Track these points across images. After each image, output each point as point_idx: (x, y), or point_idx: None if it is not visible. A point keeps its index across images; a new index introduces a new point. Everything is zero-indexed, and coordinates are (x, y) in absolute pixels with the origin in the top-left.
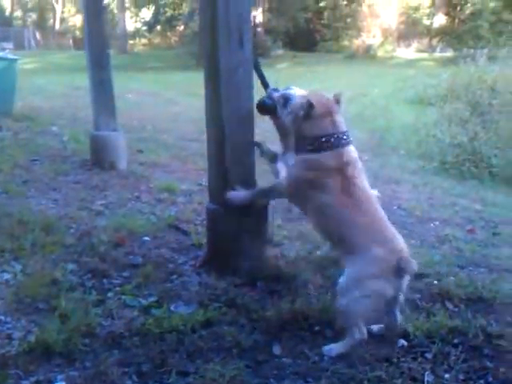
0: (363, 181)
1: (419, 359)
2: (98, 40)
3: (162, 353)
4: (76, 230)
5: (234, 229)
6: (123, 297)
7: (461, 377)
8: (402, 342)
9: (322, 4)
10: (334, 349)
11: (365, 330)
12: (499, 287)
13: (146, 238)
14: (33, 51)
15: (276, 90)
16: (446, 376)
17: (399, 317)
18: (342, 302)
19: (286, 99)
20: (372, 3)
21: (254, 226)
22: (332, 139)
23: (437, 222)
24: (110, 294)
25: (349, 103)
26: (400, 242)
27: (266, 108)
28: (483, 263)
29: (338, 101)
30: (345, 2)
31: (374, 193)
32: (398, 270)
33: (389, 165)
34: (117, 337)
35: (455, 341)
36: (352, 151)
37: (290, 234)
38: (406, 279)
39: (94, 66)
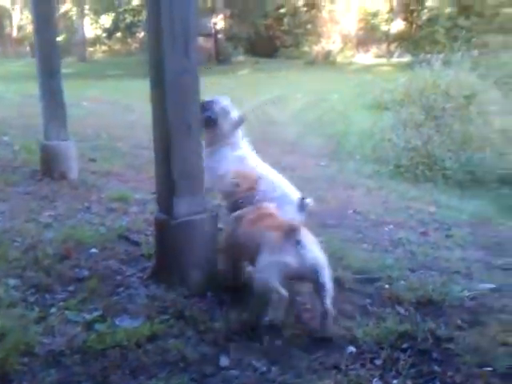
0: None
1: (368, 366)
2: (49, 48)
3: (103, 370)
4: (21, 244)
5: (183, 239)
6: (66, 312)
7: (409, 382)
8: (351, 348)
9: (282, 10)
10: None
11: None
12: (449, 289)
13: (94, 250)
14: None
15: (210, 102)
16: (395, 382)
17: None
18: None
19: (227, 111)
20: (332, 9)
21: (204, 236)
22: None
23: (391, 226)
24: (52, 310)
25: (308, 109)
26: None
27: (212, 122)
28: (435, 266)
29: None
30: (305, 8)
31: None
32: None
33: (345, 170)
34: (57, 355)
35: (404, 346)
36: None
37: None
38: None
39: (44, 75)
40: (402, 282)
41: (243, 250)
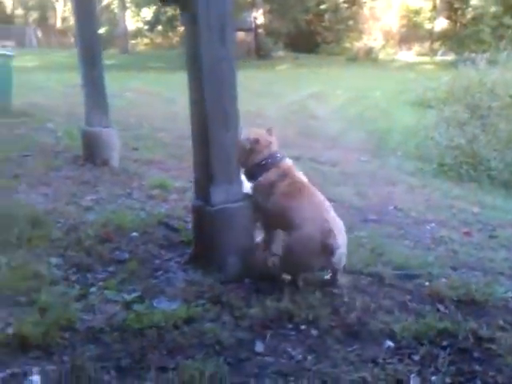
0: None
1: (406, 361)
2: (90, 38)
3: (141, 348)
4: (63, 225)
5: (221, 226)
6: (106, 291)
7: (448, 380)
8: (389, 343)
9: (322, 6)
10: None
11: None
12: (493, 290)
13: (134, 234)
14: (34, 49)
15: None
16: (433, 379)
17: None
18: None
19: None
20: (373, 6)
21: (241, 223)
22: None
23: (433, 224)
24: (93, 289)
25: (349, 105)
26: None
27: None
28: (478, 266)
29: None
30: (346, 5)
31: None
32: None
33: (387, 166)
34: (97, 332)
35: (444, 343)
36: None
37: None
38: None
39: (86, 64)
40: (444, 280)
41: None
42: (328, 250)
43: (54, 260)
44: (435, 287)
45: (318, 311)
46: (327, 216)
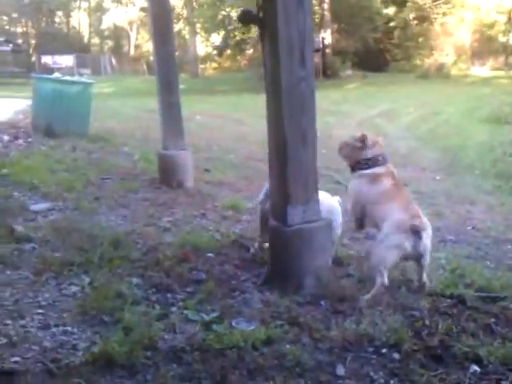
0: None
1: None
2: (167, 64)
3: (222, 369)
4: (143, 246)
5: (297, 247)
6: (186, 311)
7: None
8: (474, 367)
9: (391, 24)
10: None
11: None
12: None
13: (210, 255)
14: (108, 76)
15: None
16: None
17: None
18: None
19: None
20: (444, 21)
21: (318, 244)
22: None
23: None
24: (173, 309)
25: (420, 122)
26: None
27: None
28: None
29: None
30: (416, 21)
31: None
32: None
33: (463, 184)
34: (178, 351)
35: None
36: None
37: (356, 254)
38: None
39: (164, 90)
40: None
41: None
42: (415, 230)
43: (134, 280)
44: None
45: (399, 334)
46: (416, 208)
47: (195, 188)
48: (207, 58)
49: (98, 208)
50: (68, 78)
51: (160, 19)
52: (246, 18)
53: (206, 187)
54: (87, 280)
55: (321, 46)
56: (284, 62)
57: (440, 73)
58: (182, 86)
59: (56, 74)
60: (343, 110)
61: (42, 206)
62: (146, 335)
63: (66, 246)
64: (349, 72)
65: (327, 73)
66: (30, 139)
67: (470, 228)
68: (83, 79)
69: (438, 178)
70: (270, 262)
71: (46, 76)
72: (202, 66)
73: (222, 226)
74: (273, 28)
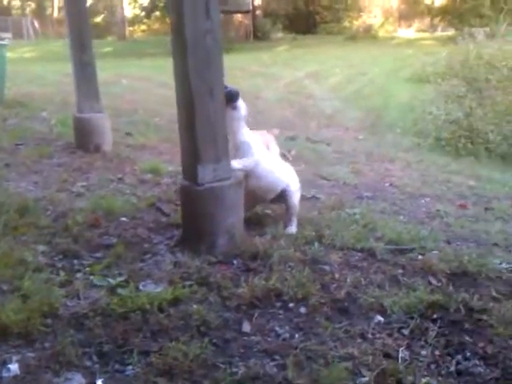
0: None
1: (395, 335)
2: (79, 22)
3: (124, 332)
4: (52, 212)
5: (208, 206)
6: (92, 277)
7: (437, 352)
8: (378, 317)
9: None
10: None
11: None
12: (486, 261)
13: (124, 219)
14: (31, 40)
15: None
16: (423, 352)
17: None
18: None
19: None
20: None
21: (230, 202)
22: None
23: (428, 199)
24: (78, 275)
25: (346, 83)
26: None
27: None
28: (472, 238)
29: None
30: None
31: None
32: None
33: (384, 143)
34: (80, 317)
35: (435, 316)
36: None
37: (273, 214)
38: None
39: (76, 48)
40: (436, 253)
41: None
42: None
43: (40, 247)
44: (428, 260)
45: (307, 288)
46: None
47: (114, 152)
48: (135, 20)
49: (7, 175)
50: None
51: None
52: None
53: (126, 151)
54: None
55: (250, 7)
56: (187, 12)
57: (368, 34)
58: (108, 49)
59: None
60: (272, 71)
61: None
62: (46, 302)
63: None
64: (279, 34)
65: (258, 35)
66: None
67: (387, 185)
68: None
69: (360, 137)
70: (183, 223)
71: None
72: (130, 29)
73: (139, 189)
74: None
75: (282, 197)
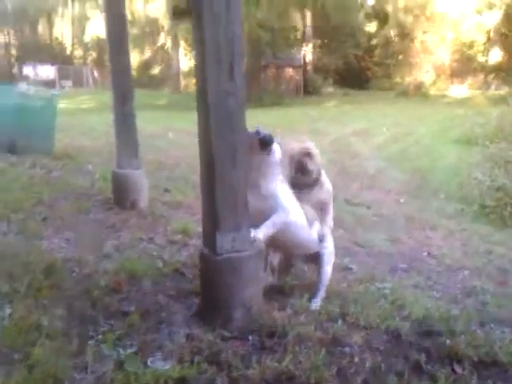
0: None
1: None
2: (122, 74)
3: None
4: (78, 274)
5: (226, 277)
6: (103, 345)
7: None
8: None
9: (373, 41)
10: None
11: None
12: None
13: (146, 283)
14: (90, 89)
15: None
16: None
17: None
18: None
19: None
20: (425, 40)
21: (249, 274)
22: None
23: (466, 272)
24: (91, 343)
25: (392, 142)
26: None
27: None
28: (509, 320)
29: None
30: (397, 39)
31: None
32: None
33: (426, 208)
34: None
35: None
36: None
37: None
38: None
39: (118, 101)
40: (465, 337)
41: None
42: None
43: (59, 311)
44: (455, 345)
45: (321, 373)
46: None
47: (150, 209)
48: (191, 73)
49: (43, 231)
50: (31, 89)
51: (114, 28)
52: (176, 10)
53: (162, 209)
54: (8, 311)
55: (301, 62)
56: (211, 71)
57: (419, 91)
58: (161, 102)
59: (22, 85)
60: (319, 128)
61: None
62: (52, 374)
63: None
64: (330, 89)
65: (308, 90)
66: None
67: (425, 254)
68: (51, 92)
69: (402, 200)
70: (201, 292)
71: (7, 87)
72: (184, 82)
73: (166, 251)
74: (200, 42)
75: (316, 258)
